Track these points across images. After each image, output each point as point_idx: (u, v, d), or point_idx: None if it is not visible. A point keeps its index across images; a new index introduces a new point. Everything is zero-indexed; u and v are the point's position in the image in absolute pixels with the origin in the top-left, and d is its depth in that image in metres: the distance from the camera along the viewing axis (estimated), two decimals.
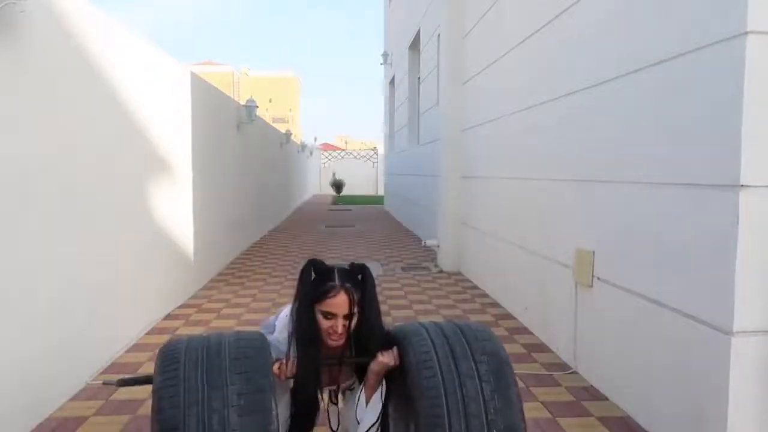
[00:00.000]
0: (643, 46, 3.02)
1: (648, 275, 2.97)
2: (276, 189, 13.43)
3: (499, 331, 4.61)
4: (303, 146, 22.72)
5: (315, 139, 35.61)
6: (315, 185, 30.11)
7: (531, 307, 4.77)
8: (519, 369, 2.03)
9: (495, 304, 5.63)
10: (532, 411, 3.09)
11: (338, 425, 2.29)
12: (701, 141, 2.54)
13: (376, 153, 32.67)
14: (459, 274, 7.27)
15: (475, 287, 6.45)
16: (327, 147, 39.30)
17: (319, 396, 2.11)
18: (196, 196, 6.12)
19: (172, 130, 5.37)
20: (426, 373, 1.79)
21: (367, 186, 31.79)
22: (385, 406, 2.07)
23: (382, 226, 13.21)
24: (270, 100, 77.42)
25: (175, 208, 5.46)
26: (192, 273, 6.01)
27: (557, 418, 3.10)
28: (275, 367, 1.95)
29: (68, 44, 3.44)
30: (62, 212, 3.30)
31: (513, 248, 5.23)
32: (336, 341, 2.03)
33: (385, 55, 17.21)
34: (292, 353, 2.03)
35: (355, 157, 34.39)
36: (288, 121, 71.93)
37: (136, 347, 4.21)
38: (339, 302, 2.00)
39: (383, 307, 4.25)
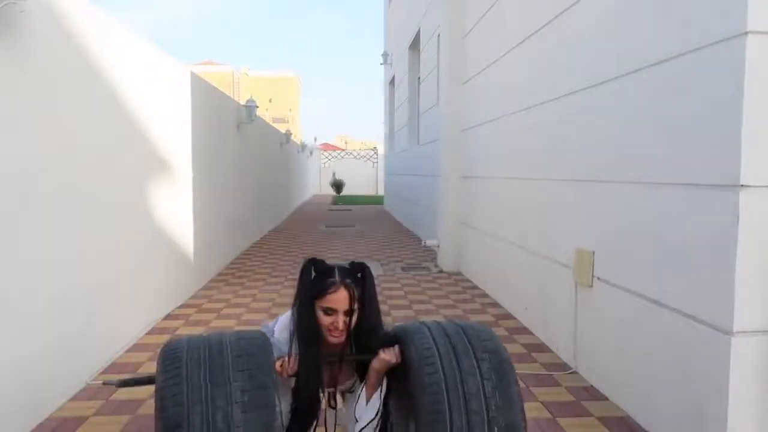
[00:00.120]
0: (643, 46, 3.02)
1: (648, 275, 2.97)
2: (276, 189, 13.44)
3: (499, 331, 4.61)
4: (303, 146, 22.72)
5: (315, 139, 35.67)
6: (315, 185, 30.11)
7: (531, 307, 4.77)
8: (519, 369, 2.04)
9: (495, 304, 5.63)
10: (532, 411, 3.09)
11: (334, 428, 2.29)
12: (701, 141, 2.54)
13: (376, 153, 32.67)
14: (459, 274, 7.27)
15: (475, 287, 6.45)
16: (327, 147, 39.31)
17: (321, 394, 2.11)
18: (196, 196, 6.12)
19: (172, 130, 5.37)
20: (428, 369, 1.80)
21: (367, 186, 31.79)
22: (385, 405, 2.07)
23: (382, 226, 13.21)
24: (270, 100, 77.42)
25: (175, 208, 5.46)
26: (192, 273, 6.01)
27: (557, 418, 3.10)
28: (277, 364, 1.95)
29: (68, 44, 3.44)
30: (62, 212, 3.31)
31: (513, 248, 5.24)
32: (337, 338, 2.03)
33: (385, 55, 17.22)
34: (294, 351, 2.03)
35: (355, 157, 34.40)
36: (288, 121, 71.93)
37: (136, 347, 4.21)
38: (340, 298, 2.01)
39: (383, 307, 4.25)
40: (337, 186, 29.32)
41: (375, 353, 2.04)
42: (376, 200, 22.29)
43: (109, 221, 3.95)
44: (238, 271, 7.31)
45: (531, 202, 4.78)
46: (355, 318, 2.05)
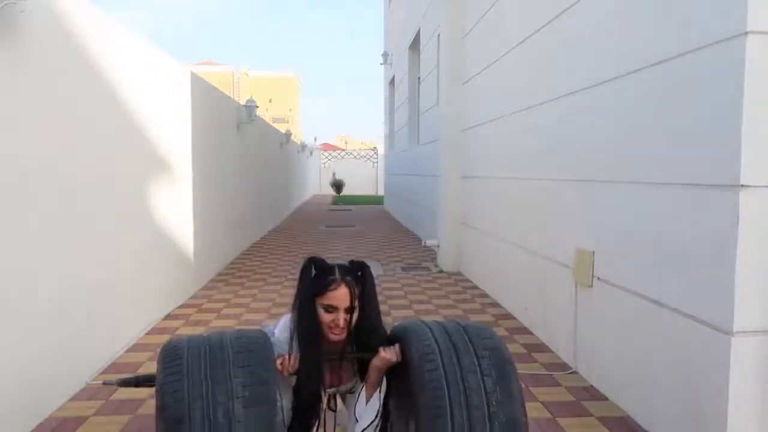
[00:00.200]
0: (643, 46, 3.02)
1: (648, 275, 2.97)
2: (276, 189, 13.44)
3: (499, 331, 4.61)
4: (303, 146, 22.72)
5: (315, 139, 35.64)
6: (315, 185, 30.11)
7: (531, 307, 4.77)
8: (519, 369, 2.04)
9: (495, 304, 5.63)
10: (532, 411, 3.08)
11: (334, 429, 2.29)
12: (701, 141, 2.54)
13: (376, 153, 32.66)
14: (459, 274, 7.27)
15: (475, 287, 6.45)
16: (327, 147, 39.30)
17: (322, 393, 2.11)
18: (196, 196, 6.12)
19: (172, 130, 5.37)
20: (428, 366, 1.81)
21: (367, 186, 31.78)
22: (385, 405, 2.07)
23: (382, 226, 13.21)
24: (270, 100, 77.41)
25: (175, 208, 5.46)
26: (192, 273, 6.01)
27: (557, 418, 3.10)
28: (278, 362, 1.95)
29: (68, 44, 3.44)
30: (62, 212, 3.31)
31: (513, 248, 5.24)
32: (338, 335, 2.04)
33: (385, 55, 17.22)
34: (294, 349, 2.03)
35: (355, 157, 34.39)
36: (288, 121, 71.93)
37: (136, 347, 4.21)
38: (340, 295, 2.02)
39: (383, 307, 4.25)
40: (337, 186, 29.32)
41: (375, 351, 2.04)
42: (376, 200, 22.29)
43: (109, 221, 3.95)
44: (238, 271, 7.31)
45: (531, 202, 4.78)
46: (355, 316, 2.05)
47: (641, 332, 3.02)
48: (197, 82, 6.30)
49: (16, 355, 2.84)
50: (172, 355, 1.75)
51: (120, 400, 3.28)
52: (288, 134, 15.61)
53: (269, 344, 1.86)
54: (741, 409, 2.36)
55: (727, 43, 2.37)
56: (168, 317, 5.05)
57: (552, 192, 4.30)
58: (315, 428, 2.13)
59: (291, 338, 2.07)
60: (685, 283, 2.64)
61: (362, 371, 2.13)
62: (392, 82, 16.63)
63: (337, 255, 8.64)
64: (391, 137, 17.14)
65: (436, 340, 1.88)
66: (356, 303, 2.04)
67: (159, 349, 1.87)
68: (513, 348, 4.20)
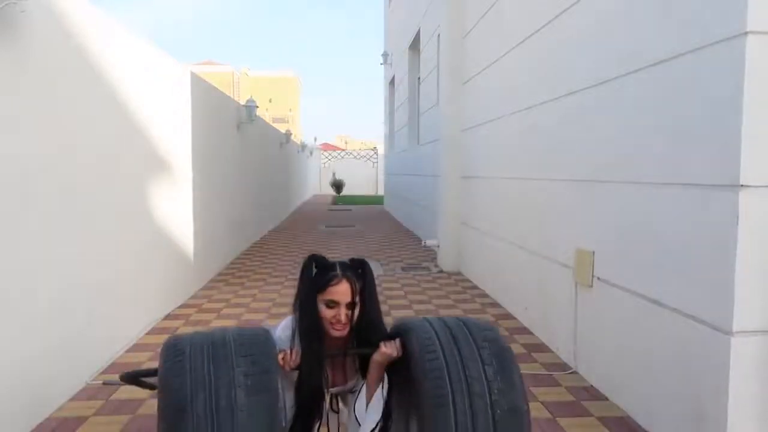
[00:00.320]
0: (643, 46, 3.02)
1: (648, 275, 2.97)
2: (276, 189, 13.44)
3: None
4: (303, 146, 22.72)
5: (315, 139, 35.63)
6: (315, 185, 30.11)
7: (531, 307, 4.77)
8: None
9: (495, 304, 5.63)
10: (532, 411, 3.07)
11: (338, 429, 2.29)
12: (701, 141, 2.54)
13: (376, 153, 32.66)
14: (459, 274, 7.27)
15: (475, 287, 6.45)
16: (327, 147, 39.30)
17: (324, 390, 2.11)
18: (196, 196, 6.12)
19: (172, 130, 5.37)
20: (429, 356, 1.82)
21: (367, 186, 31.78)
22: (386, 403, 2.07)
23: (382, 226, 13.21)
24: (270, 100, 77.42)
25: (175, 208, 5.46)
26: (192, 273, 6.02)
27: (557, 418, 3.10)
28: (279, 357, 1.95)
29: (68, 44, 3.44)
30: (62, 212, 3.31)
31: (513, 248, 5.24)
32: (339, 331, 2.04)
33: (385, 55, 17.22)
34: (296, 345, 2.04)
35: (355, 157, 34.39)
36: (288, 121, 71.93)
37: (136, 347, 4.21)
38: (342, 290, 2.04)
39: (383, 307, 4.25)
40: (337, 186, 29.32)
41: (376, 347, 2.05)
42: (376, 200, 22.29)
43: (109, 221, 3.95)
44: (238, 271, 7.31)
45: (531, 202, 4.78)
46: (357, 312, 2.06)
47: (641, 332, 3.02)
48: (197, 82, 6.30)
49: (16, 355, 2.84)
50: (174, 350, 1.76)
51: (120, 400, 3.28)
52: (288, 134, 15.61)
53: (271, 339, 1.88)
54: (741, 408, 2.36)
55: (727, 43, 2.37)
56: (168, 317, 5.05)
57: (552, 192, 4.30)
58: (317, 428, 2.13)
59: (293, 335, 2.07)
60: (685, 282, 2.64)
61: (363, 369, 2.13)
62: (392, 82, 16.63)
63: (337, 255, 8.64)
64: (391, 137, 17.14)
65: (436, 333, 1.90)
66: (357, 299, 2.06)
67: (160, 348, 1.87)
68: (513, 348, 4.19)
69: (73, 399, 3.30)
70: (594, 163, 3.61)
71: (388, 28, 17.89)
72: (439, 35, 8.15)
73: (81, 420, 3.05)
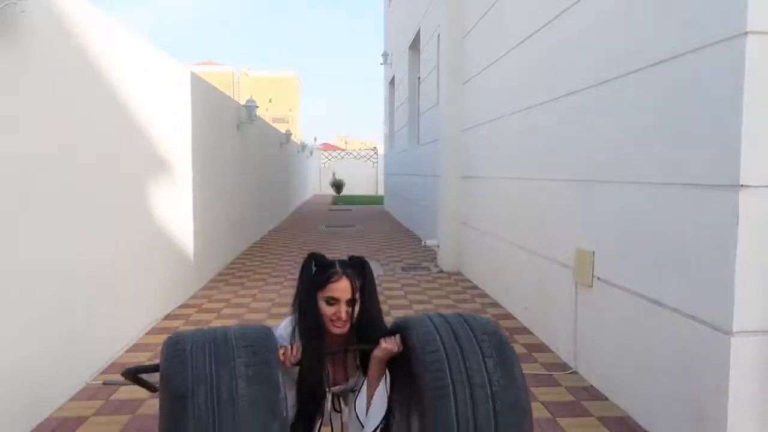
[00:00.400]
0: (643, 46, 3.02)
1: (648, 275, 2.97)
2: (276, 189, 13.44)
3: None
4: (303, 146, 22.72)
5: (315, 139, 35.62)
6: (315, 185, 30.12)
7: (531, 307, 4.77)
8: None
9: (495, 304, 5.63)
10: (532, 411, 3.09)
11: (341, 429, 2.29)
12: (701, 141, 2.54)
13: (376, 153, 32.66)
14: (459, 274, 7.27)
15: (475, 287, 6.45)
16: (327, 147, 39.30)
17: (326, 387, 2.11)
18: (196, 196, 6.12)
19: (172, 130, 5.37)
20: (429, 348, 1.83)
21: (367, 186, 31.78)
22: (389, 400, 2.08)
23: (382, 226, 13.21)
24: (270, 100, 77.42)
25: (175, 208, 5.46)
26: (192, 273, 6.02)
27: (557, 418, 3.10)
28: (279, 353, 1.96)
29: (68, 44, 3.44)
30: (62, 212, 3.31)
31: (513, 248, 5.24)
32: (340, 328, 2.05)
33: (385, 55, 17.22)
34: (296, 341, 2.04)
35: (355, 157, 34.39)
36: (288, 121, 71.92)
37: (136, 347, 4.21)
38: (342, 286, 2.04)
39: (383, 308, 4.24)
40: (337, 186, 29.32)
41: (377, 342, 2.05)
42: (376, 200, 22.29)
43: (109, 221, 3.95)
44: (238, 271, 7.31)
45: (531, 202, 4.78)
46: (357, 309, 2.07)
47: (641, 332, 3.02)
48: (197, 82, 6.30)
49: (16, 355, 2.84)
50: (175, 345, 1.78)
51: (120, 400, 3.28)
52: (288, 134, 15.61)
53: (272, 334, 1.89)
54: (741, 408, 2.36)
55: (727, 43, 2.37)
56: (168, 317, 5.05)
57: (552, 192, 4.30)
58: (319, 428, 2.13)
59: (293, 332, 2.08)
60: (685, 283, 2.64)
61: (364, 366, 2.13)
62: (392, 82, 16.63)
63: (337, 255, 8.59)
64: (391, 137, 17.15)
65: (436, 327, 1.91)
66: (357, 296, 2.06)
67: (160, 348, 1.87)
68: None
69: (73, 399, 3.30)
70: (594, 163, 3.61)
71: (388, 28, 17.89)
72: (439, 35, 8.15)
73: (81, 420, 3.05)
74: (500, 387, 1.75)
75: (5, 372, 2.75)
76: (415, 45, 12.32)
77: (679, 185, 2.70)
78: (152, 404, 3.10)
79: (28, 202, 2.97)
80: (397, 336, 2.03)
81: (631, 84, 3.13)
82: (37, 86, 3.08)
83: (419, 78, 11.87)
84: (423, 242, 8.68)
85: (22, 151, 2.93)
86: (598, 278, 3.52)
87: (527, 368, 3.80)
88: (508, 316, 5.17)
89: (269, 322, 4.78)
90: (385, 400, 2.06)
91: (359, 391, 2.11)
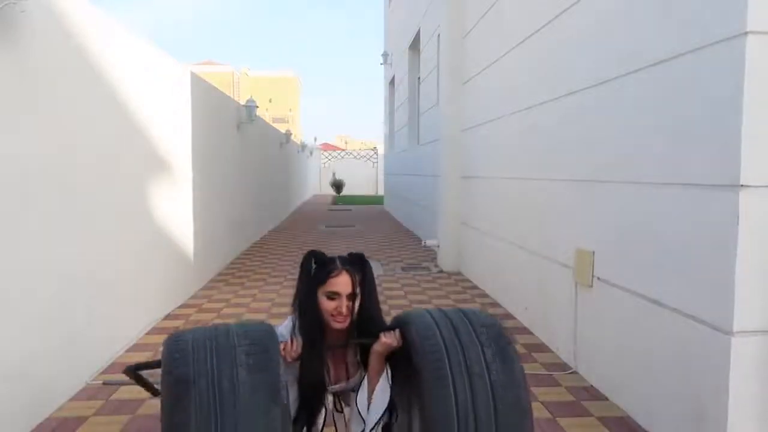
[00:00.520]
0: (643, 46, 3.02)
1: (648, 275, 2.97)
2: (276, 189, 13.44)
3: None
4: (303, 146, 22.72)
5: (315, 139, 35.62)
6: (315, 185, 30.12)
7: (531, 307, 4.77)
8: None
9: (495, 304, 5.63)
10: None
11: (345, 428, 2.29)
12: (701, 141, 2.54)
13: (376, 153, 32.66)
14: (459, 274, 7.27)
15: (475, 287, 6.45)
16: (327, 147, 39.29)
17: (327, 382, 2.12)
18: (196, 196, 6.12)
19: (172, 130, 5.37)
20: (428, 342, 1.86)
21: (367, 186, 31.78)
22: (390, 393, 2.08)
23: (382, 226, 13.21)
24: (270, 100, 77.42)
25: (175, 208, 5.46)
26: (192, 273, 6.02)
27: (557, 418, 3.10)
28: (280, 347, 1.96)
29: (68, 44, 3.44)
30: (62, 212, 3.31)
31: (513, 248, 5.24)
32: (341, 323, 2.05)
33: (385, 55, 17.22)
34: (297, 336, 2.05)
35: (355, 157, 34.39)
36: (288, 121, 71.93)
37: (136, 347, 4.21)
38: (342, 281, 2.06)
39: (383, 308, 4.25)
40: (337, 186, 29.32)
41: (376, 337, 2.06)
42: (376, 200, 22.29)
43: (109, 221, 3.95)
44: (238, 271, 7.31)
45: (531, 202, 4.78)
46: (357, 303, 2.07)
47: (641, 332, 3.02)
48: (197, 82, 6.30)
49: (16, 355, 2.84)
50: (177, 342, 1.79)
51: (120, 400, 3.28)
52: (288, 134, 15.61)
53: (273, 331, 1.91)
54: (741, 408, 2.36)
55: (727, 43, 2.37)
56: (168, 317, 5.05)
57: (552, 192, 4.30)
58: (321, 428, 2.13)
59: (293, 328, 2.09)
60: (685, 283, 2.65)
61: (365, 362, 2.14)
62: (392, 82, 16.63)
63: (337, 254, 8.63)
64: (391, 137, 17.14)
65: (435, 321, 1.94)
66: (358, 290, 2.08)
67: (160, 348, 1.88)
68: None
69: (73, 399, 3.30)
70: (594, 163, 3.61)
71: (388, 28, 17.89)
72: (439, 35, 8.15)
73: (81, 420, 3.05)
74: (498, 375, 1.77)
75: (5, 372, 2.75)
76: (415, 45, 12.32)
77: (679, 185, 2.70)
78: (152, 404, 3.10)
79: (28, 202, 2.97)
80: (397, 331, 2.04)
81: (631, 84, 3.13)
82: (37, 86, 3.08)
83: (419, 78, 11.87)
84: (423, 242, 8.68)
85: (22, 151, 2.93)
86: (598, 278, 3.52)
87: (527, 368, 3.79)
88: (508, 316, 5.17)
89: (269, 322, 4.77)
90: (387, 394, 2.06)
91: (360, 387, 2.12)
